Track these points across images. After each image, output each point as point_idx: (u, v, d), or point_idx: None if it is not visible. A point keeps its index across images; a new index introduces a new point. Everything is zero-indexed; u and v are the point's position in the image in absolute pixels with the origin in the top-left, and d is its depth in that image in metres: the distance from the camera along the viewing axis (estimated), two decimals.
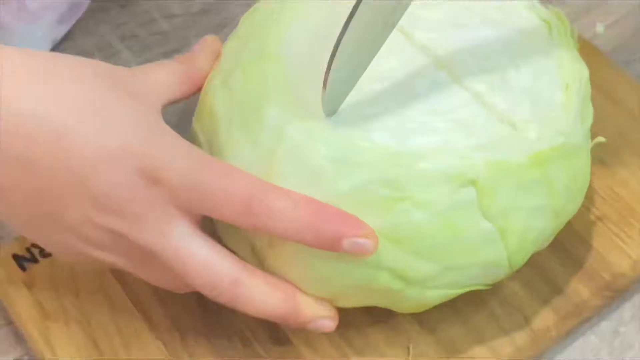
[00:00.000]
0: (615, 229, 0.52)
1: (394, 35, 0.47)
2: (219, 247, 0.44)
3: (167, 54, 0.63)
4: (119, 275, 0.51)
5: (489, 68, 0.47)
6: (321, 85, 0.44)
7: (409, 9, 0.45)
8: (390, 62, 0.47)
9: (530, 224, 0.45)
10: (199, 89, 0.49)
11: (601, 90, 0.56)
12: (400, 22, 0.46)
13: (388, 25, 0.45)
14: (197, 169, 0.42)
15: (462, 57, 0.47)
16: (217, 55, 0.50)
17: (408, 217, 0.43)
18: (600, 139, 0.49)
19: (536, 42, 0.48)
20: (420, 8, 0.49)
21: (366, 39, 0.44)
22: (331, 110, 0.45)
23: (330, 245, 0.42)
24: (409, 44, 0.48)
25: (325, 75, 0.43)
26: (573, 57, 0.48)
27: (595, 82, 0.56)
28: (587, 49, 0.59)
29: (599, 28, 0.64)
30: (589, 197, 0.53)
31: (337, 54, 0.42)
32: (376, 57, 0.46)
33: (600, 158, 0.54)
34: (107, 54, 0.64)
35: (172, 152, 0.43)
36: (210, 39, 0.51)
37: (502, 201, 0.43)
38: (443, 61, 0.47)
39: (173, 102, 0.48)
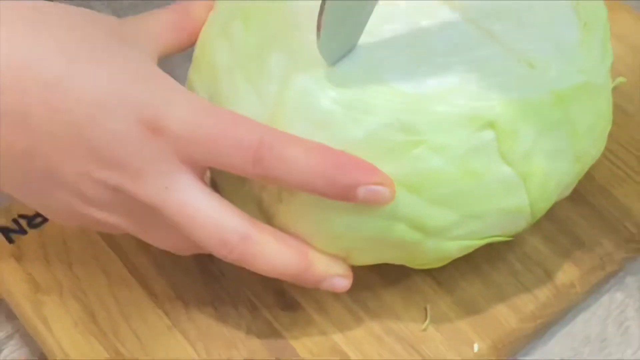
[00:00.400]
0: (638, 178, 0.49)
1: None
2: (225, 201, 0.41)
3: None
4: (114, 243, 0.49)
5: (504, 8, 0.44)
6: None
7: None
8: (399, 3, 0.44)
9: (553, 168, 0.42)
10: (194, 41, 0.46)
11: (619, 37, 0.54)
12: None
13: None
14: (202, 116, 0.40)
15: None
16: (211, 5, 0.47)
17: (425, 162, 0.40)
18: (621, 79, 0.47)
19: None
20: None
21: None
22: (332, 57, 0.42)
23: (345, 195, 0.39)
24: None
25: (318, 18, 0.40)
26: None
27: (614, 29, 0.54)
28: None
29: None
30: (609, 145, 0.50)
31: None
32: None
33: (619, 105, 0.51)
34: (78, 4, 0.60)
35: (174, 100, 0.40)
36: None
37: (523, 144, 0.41)
38: (455, 1, 0.44)
39: (168, 54, 0.45)
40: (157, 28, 0.45)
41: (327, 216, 0.41)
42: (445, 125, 0.40)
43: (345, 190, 0.39)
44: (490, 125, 0.40)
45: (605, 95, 0.44)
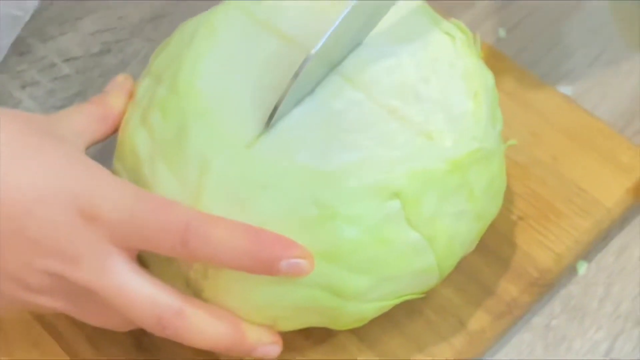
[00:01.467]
0: (537, 226, 0.54)
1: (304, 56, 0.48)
2: (158, 280, 0.43)
3: (72, 98, 0.63)
4: (47, 323, 0.50)
5: (401, 83, 0.48)
6: (239, 114, 0.46)
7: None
8: None
9: (456, 229, 0.46)
10: (117, 129, 0.49)
11: (510, 94, 0.58)
12: (309, 44, 0.47)
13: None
14: (133, 203, 0.42)
15: (374, 75, 0.48)
16: (130, 93, 0.50)
17: (339, 234, 0.43)
18: (512, 141, 0.51)
19: (442, 54, 0.50)
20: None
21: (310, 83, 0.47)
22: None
23: (268, 270, 0.42)
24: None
25: (272, 113, 0.45)
26: (478, 66, 0.50)
27: (503, 87, 0.59)
28: (492, 55, 0.61)
29: (501, 32, 0.66)
30: (509, 198, 0.54)
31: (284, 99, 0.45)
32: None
33: (516, 160, 0.56)
34: (10, 105, 0.63)
35: (107, 188, 0.43)
36: (121, 78, 0.51)
37: (427, 210, 0.45)
38: (357, 81, 0.48)
39: (94, 143, 0.48)
40: (82, 122, 0.48)
41: (252, 289, 0.44)
42: (356, 199, 0.44)
43: (268, 265, 0.42)
44: (396, 195, 0.44)
45: (498, 157, 0.48)
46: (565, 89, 0.62)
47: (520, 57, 0.64)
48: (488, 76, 0.50)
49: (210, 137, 0.45)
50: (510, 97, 0.58)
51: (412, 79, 0.48)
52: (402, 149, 0.45)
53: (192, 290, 0.45)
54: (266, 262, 0.42)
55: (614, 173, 0.55)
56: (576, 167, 0.56)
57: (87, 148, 0.47)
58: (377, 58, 0.49)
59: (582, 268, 0.54)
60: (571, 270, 0.54)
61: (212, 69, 0.48)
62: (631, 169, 0.56)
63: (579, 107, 0.59)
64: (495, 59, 0.61)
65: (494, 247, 0.53)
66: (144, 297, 0.42)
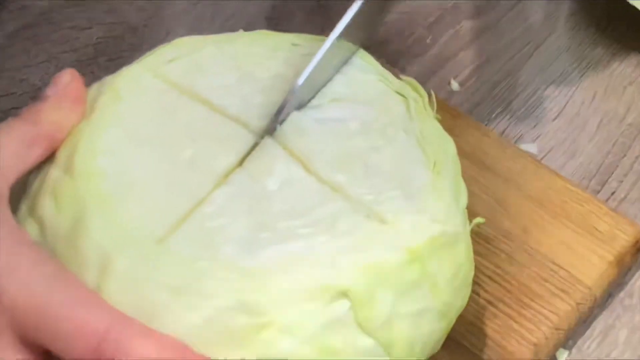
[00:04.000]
0: (509, 311, 0.46)
1: (230, 124, 0.40)
2: None
3: None
4: None
5: (347, 153, 0.41)
6: (149, 200, 0.38)
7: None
8: (229, 158, 0.40)
9: (417, 331, 0.38)
10: (55, 150, 0.39)
11: (469, 157, 0.51)
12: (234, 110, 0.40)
13: None
14: (47, 285, 0.34)
15: (316, 144, 0.41)
16: (78, 99, 0.40)
17: (275, 346, 0.35)
18: (479, 219, 0.43)
19: (395, 119, 0.42)
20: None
21: None
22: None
23: None
24: (248, 132, 0.41)
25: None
26: (436, 131, 0.42)
27: (461, 149, 0.51)
28: (445, 111, 0.54)
29: (454, 85, 0.59)
30: (476, 279, 0.46)
31: None
32: (212, 154, 0.39)
33: (482, 233, 0.48)
34: None
35: (16, 261, 0.34)
36: (67, 77, 0.40)
37: (382, 310, 0.36)
38: (296, 150, 0.40)
39: (24, 173, 0.38)
40: (9, 148, 0.38)
41: None
42: (292, 302, 0.35)
43: None
44: (344, 294, 0.36)
45: (463, 240, 0.40)
46: (530, 147, 0.56)
47: (476, 112, 0.57)
48: (448, 142, 0.43)
49: (112, 230, 0.37)
50: (471, 160, 0.51)
51: (360, 148, 0.41)
52: (348, 236, 0.37)
53: None
54: None
55: (592, 244, 0.48)
56: (549, 240, 0.48)
57: (16, 181, 0.38)
58: (321, 123, 0.41)
59: (563, 357, 0.47)
60: None
61: (117, 144, 0.40)
62: (611, 238, 0.49)
63: (547, 168, 0.52)
64: (450, 116, 0.53)
65: (461, 338, 0.45)
66: None
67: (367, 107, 0.42)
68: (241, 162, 0.40)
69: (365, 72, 0.44)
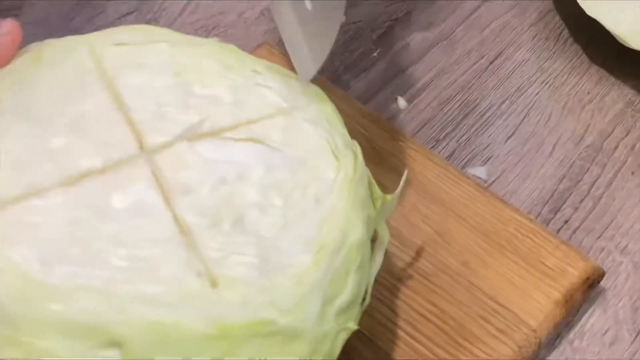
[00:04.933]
0: (445, 355, 0.42)
1: (124, 128, 0.37)
2: None
3: None
4: None
5: (225, 200, 0.36)
6: None
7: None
8: (95, 162, 0.36)
9: None
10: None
11: (410, 182, 0.47)
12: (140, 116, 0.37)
13: None
14: None
15: (196, 178, 0.36)
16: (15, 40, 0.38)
17: None
18: (352, 326, 0.36)
19: (311, 185, 0.37)
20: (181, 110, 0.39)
21: None
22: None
23: None
24: (134, 143, 0.37)
25: None
26: (350, 212, 0.37)
27: (401, 173, 0.47)
28: (389, 134, 0.50)
29: (401, 102, 0.55)
30: (410, 319, 0.43)
31: None
32: (81, 151, 0.36)
33: (419, 267, 0.44)
34: None
35: None
36: (6, 26, 0.39)
37: None
38: (167, 177, 0.36)
39: None
40: None
41: None
42: (55, 330, 0.31)
43: None
44: (115, 344, 0.32)
45: (307, 342, 0.34)
46: (479, 171, 0.52)
47: (423, 132, 0.53)
48: (356, 231, 0.37)
49: None
50: (412, 187, 0.47)
51: (246, 200, 0.36)
52: (159, 284, 0.33)
53: None
54: None
55: (540, 281, 0.45)
56: (492, 276, 0.45)
57: None
58: (218, 155, 0.37)
59: None
60: None
61: (3, 105, 0.37)
62: (560, 274, 0.45)
63: (493, 196, 0.48)
64: (391, 139, 0.50)
65: None
66: None
67: (288, 161, 0.38)
68: (104, 170, 0.36)
69: (314, 123, 0.39)
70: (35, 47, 0.39)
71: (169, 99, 0.38)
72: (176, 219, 0.35)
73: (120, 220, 0.34)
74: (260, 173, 0.37)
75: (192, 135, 0.37)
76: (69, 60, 0.39)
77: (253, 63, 0.41)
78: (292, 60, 0.45)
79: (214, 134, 0.37)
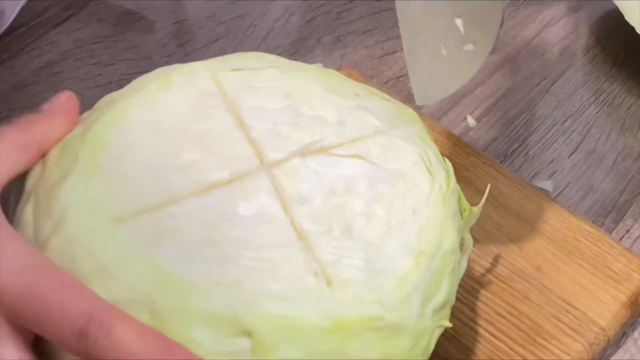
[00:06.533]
0: (522, 351, 0.46)
1: (245, 145, 0.42)
2: None
3: None
4: None
5: (336, 209, 0.40)
6: (125, 181, 0.40)
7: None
8: (222, 174, 0.40)
9: None
10: (46, 154, 0.42)
11: (483, 194, 0.51)
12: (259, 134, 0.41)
13: None
14: (35, 273, 0.36)
15: (310, 191, 0.41)
16: (70, 118, 0.43)
17: None
18: (446, 323, 0.40)
19: (409, 196, 0.42)
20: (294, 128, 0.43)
21: None
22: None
23: None
24: (255, 158, 0.42)
25: None
26: (446, 225, 0.41)
27: (475, 185, 0.52)
28: (461, 149, 0.54)
29: (470, 121, 0.59)
30: (489, 318, 0.47)
31: None
32: (210, 166, 0.41)
33: (496, 272, 0.49)
34: None
35: (8, 252, 0.37)
36: (63, 97, 0.43)
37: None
38: (284, 188, 0.40)
39: (14, 177, 0.41)
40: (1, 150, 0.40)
41: None
42: (194, 319, 0.36)
43: None
44: (247, 334, 0.36)
45: (409, 337, 0.38)
46: (546, 184, 0.56)
47: (492, 148, 0.58)
48: (448, 239, 0.41)
49: (80, 196, 0.38)
50: (488, 199, 0.51)
51: (353, 210, 0.40)
52: (283, 282, 0.37)
53: None
54: None
55: (606, 284, 0.49)
56: (563, 279, 0.49)
57: (8, 182, 0.40)
58: (328, 169, 0.42)
59: None
60: None
61: (137, 123, 0.42)
62: (625, 278, 0.49)
63: (561, 207, 0.52)
64: (464, 154, 0.54)
65: None
66: None
67: (388, 175, 0.42)
68: (230, 182, 0.40)
69: (409, 141, 0.44)
70: (163, 72, 0.44)
71: (282, 119, 0.43)
72: (294, 226, 0.39)
73: (246, 226, 0.39)
74: (364, 186, 0.41)
75: (305, 151, 0.42)
76: (194, 84, 0.44)
77: (353, 87, 0.46)
78: (411, 76, 0.48)
79: (323, 150, 0.42)
